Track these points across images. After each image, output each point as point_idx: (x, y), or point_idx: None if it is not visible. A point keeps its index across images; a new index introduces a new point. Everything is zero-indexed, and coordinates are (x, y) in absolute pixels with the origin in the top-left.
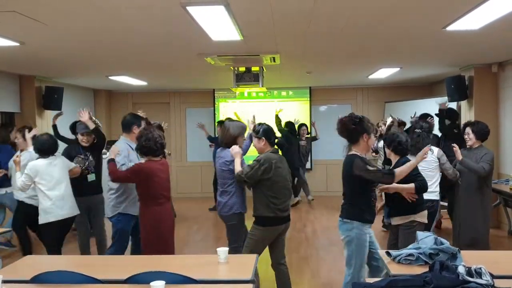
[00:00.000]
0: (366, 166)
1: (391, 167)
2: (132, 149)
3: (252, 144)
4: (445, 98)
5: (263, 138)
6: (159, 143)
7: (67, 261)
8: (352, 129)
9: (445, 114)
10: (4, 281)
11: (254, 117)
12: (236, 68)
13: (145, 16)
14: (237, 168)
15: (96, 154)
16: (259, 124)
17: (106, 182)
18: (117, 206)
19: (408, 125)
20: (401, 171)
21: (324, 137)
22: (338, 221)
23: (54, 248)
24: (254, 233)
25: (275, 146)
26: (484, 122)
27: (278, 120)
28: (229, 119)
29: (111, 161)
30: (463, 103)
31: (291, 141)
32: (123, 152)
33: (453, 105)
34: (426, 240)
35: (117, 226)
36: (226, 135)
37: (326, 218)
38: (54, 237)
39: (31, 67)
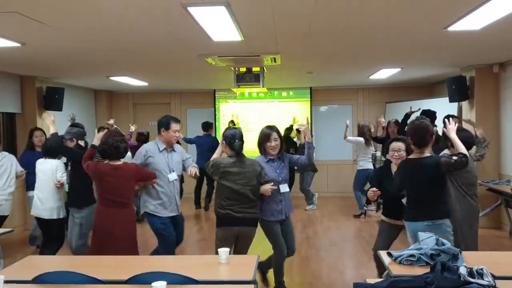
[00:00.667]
0: (451, 157)
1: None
2: (160, 151)
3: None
4: (417, 105)
5: (224, 142)
6: (113, 147)
7: (69, 262)
8: (431, 131)
9: (408, 118)
10: (6, 281)
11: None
12: (236, 68)
13: (146, 17)
14: (214, 155)
15: (74, 165)
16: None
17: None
18: (143, 205)
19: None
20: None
21: (325, 137)
22: (426, 226)
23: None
24: (215, 234)
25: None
26: (464, 130)
27: (289, 128)
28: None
29: (91, 147)
30: (464, 104)
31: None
32: (142, 152)
33: (453, 105)
34: (427, 241)
35: (151, 226)
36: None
37: (327, 218)
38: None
39: (32, 68)
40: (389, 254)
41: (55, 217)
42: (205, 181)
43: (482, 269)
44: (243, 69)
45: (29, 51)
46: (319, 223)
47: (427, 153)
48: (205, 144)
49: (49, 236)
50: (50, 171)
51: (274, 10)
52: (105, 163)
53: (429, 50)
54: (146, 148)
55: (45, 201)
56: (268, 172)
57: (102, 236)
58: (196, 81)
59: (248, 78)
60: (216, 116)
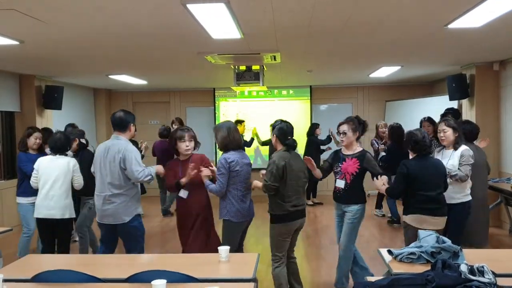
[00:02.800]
0: None
1: None
2: None
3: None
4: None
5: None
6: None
7: (68, 260)
8: None
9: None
10: (5, 280)
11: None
12: (236, 66)
13: (145, 14)
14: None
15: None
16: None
17: None
18: None
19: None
20: None
21: (324, 136)
22: None
23: (44, 244)
24: (274, 231)
25: None
26: (468, 122)
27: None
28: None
29: None
30: (464, 102)
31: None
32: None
33: (454, 104)
34: (428, 238)
35: None
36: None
37: (326, 217)
38: (41, 233)
39: (31, 66)
40: (390, 252)
41: (69, 216)
42: None
43: (483, 266)
44: (242, 67)
45: (28, 49)
46: (319, 222)
47: None
48: None
49: (48, 237)
50: (67, 169)
51: (274, 7)
52: None
53: (430, 48)
54: None
55: (56, 199)
56: None
57: None
58: (195, 79)
59: (248, 76)
60: (216, 114)
